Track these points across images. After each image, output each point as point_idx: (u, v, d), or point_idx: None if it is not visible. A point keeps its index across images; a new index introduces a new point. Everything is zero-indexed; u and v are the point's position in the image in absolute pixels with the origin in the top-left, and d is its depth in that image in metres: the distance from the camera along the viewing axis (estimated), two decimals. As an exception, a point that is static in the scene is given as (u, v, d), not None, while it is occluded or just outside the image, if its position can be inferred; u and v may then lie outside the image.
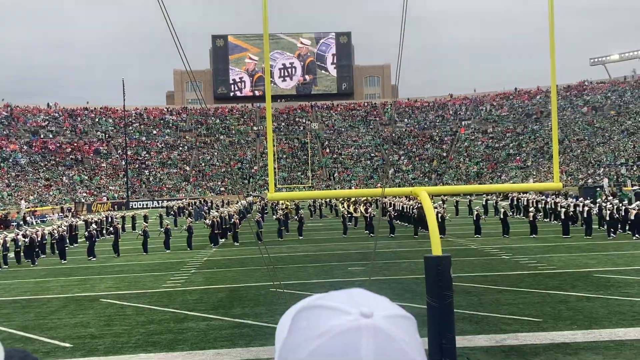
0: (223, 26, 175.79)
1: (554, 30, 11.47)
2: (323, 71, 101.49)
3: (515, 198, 39.53)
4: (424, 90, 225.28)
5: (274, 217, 35.40)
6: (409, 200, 35.68)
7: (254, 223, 29.54)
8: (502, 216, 28.79)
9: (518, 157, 74.57)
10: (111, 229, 31.02)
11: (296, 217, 33.43)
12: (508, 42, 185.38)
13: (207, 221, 30.52)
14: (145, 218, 38.77)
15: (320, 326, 0.84)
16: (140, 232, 28.24)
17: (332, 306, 0.87)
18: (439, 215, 27.69)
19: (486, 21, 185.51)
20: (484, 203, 40.06)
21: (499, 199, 42.07)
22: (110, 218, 38.29)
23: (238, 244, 28.79)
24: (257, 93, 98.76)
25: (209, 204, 53.44)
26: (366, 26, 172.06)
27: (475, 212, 29.26)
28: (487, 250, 23.70)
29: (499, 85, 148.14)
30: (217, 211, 34.89)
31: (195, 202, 53.70)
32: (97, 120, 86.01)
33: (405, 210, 34.93)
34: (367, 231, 31.55)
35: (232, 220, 30.73)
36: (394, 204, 37.13)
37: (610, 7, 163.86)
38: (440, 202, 38.74)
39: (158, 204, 65.64)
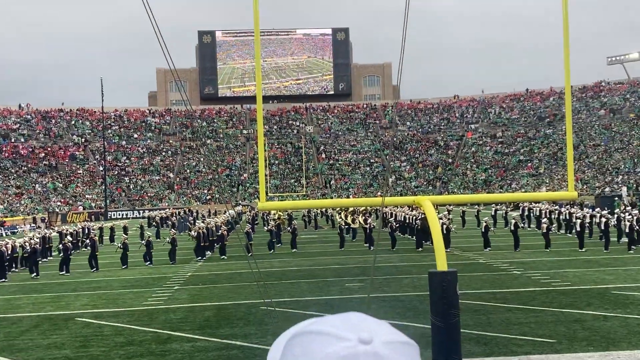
0: (211, 21, 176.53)
1: (568, 26, 11.53)
2: (319, 70, 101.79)
3: (526, 208, 39.62)
4: (428, 91, 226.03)
5: (265, 228, 35.37)
6: (412, 211, 35.69)
7: (243, 235, 29.50)
8: (512, 228, 28.83)
9: (530, 164, 74.79)
10: (88, 241, 30.92)
11: (289, 228, 33.39)
12: (519, 40, 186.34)
13: (192, 233, 30.47)
14: (125, 229, 38.65)
15: (315, 353, 0.83)
16: (119, 244, 28.14)
17: (328, 332, 0.85)
18: (444, 226, 27.71)
19: (495, 17, 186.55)
20: (493, 214, 40.11)
21: (509, 209, 42.13)
22: (86, 229, 38.16)
23: (226, 257, 28.73)
24: (247, 93, 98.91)
25: (195, 214, 53.33)
26: (365, 22, 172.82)
27: (484, 224, 29.30)
28: (496, 265, 23.71)
29: (509, 86, 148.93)
30: (203, 222, 34.83)
31: (179, 212, 53.59)
32: (73, 122, 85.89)
33: (407, 222, 34.96)
34: (366, 244, 31.54)
35: (220, 231, 30.67)
36: (395, 215, 37.13)
37: (629, 1, 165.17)
38: (446, 212, 38.77)
39: (139, 214, 65.48)
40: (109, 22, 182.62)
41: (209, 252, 29.97)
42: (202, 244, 28.77)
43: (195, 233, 29.26)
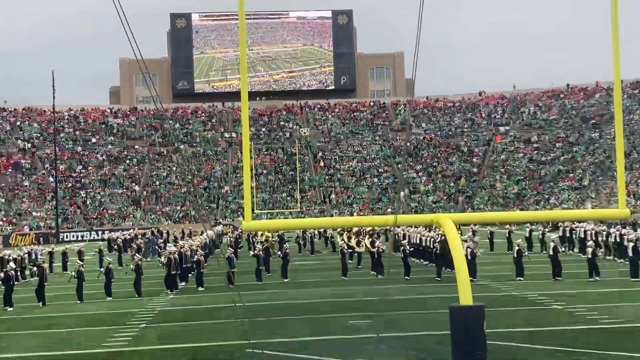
0: (185, 2, 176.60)
1: (617, 11, 11.55)
2: (316, 61, 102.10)
3: (568, 229, 39.60)
4: (448, 87, 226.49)
5: (251, 253, 35.22)
6: (429, 231, 35.61)
7: (224, 261, 29.45)
8: (551, 252, 28.79)
9: (571, 175, 74.90)
10: (35, 269, 30.82)
11: (279, 253, 33.29)
12: (558, 25, 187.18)
13: (162, 259, 30.37)
14: (80, 254, 38.51)
15: None
16: (73, 273, 28.04)
17: None
18: (469, 251, 27.66)
19: (524, 2, 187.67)
20: (527, 235, 40.05)
21: (547, 229, 42.07)
22: (33, 255, 38.03)
23: (203, 288, 28.65)
24: (229, 89, 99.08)
25: (165, 235, 53.21)
26: (372, 2, 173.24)
27: (516, 248, 29.27)
28: (531, 298, 23.64)
29: (546, 81, 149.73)
30: (175, 245, 34.76)
31: (146, 234, 53.46)
32: (17, 124, 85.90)
33: (424, 245, 34.92)
34: (374, 272, 31.45)
35: (196, 257, 30.59)
36: (409, 236, 37.05)
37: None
38: (471, 233, 38.76)
39: (97, 235, 65.36)
40: (62, 5, 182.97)
41: (182, 282, 29.88)
42: (173, 273, 28.68)
43: (165, 259, 29.17)
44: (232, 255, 31.59)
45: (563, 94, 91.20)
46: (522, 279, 28.08)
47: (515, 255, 28.95)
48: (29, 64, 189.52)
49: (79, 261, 30.46)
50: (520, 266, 28.60)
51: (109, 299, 26.98)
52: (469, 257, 27.05)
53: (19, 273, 32.66)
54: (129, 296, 27.28)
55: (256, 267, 31.03)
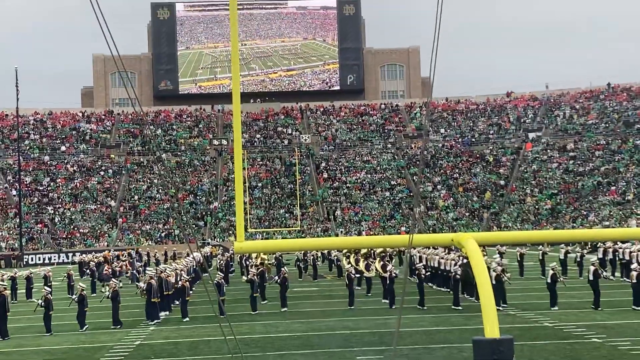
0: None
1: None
2: (319, 57, 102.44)
3: (611, 250, 39.55)
4: (471, 87, 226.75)
5: (244, 278, 35.22)
6: (449, 253, 35.59)
7: (212, 287, 29.45)
8: (591, 277, 28.77)
9: (613, 188, 74.87)
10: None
11: (276, 278, 33.27)
12: (597, 16, 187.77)
13: (142, 284, 30.39)
14: (47, 280, 38.50)
15: None
16: (39, 301, 28.06)
17: None
18: (494, 275, 27.64)
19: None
20: (562, 257, 40.00)
21: (586, 251, 41.99)
22: (45, 278, 38.23)
23: (188, 319, 28.65)
24: (219, 90, 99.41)
25: (145, 258, 53.21)
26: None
27: (550, 272, 29.23)
28: (568, 330, 23.62)
29: (583, 80, 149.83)
30: (156, 269, 34.77)
31: (123, 255, 53.55)
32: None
33: (442, 269, 34.89)
34: (386, 299, 31.43)
35: (180, 283, 30.61)
36: (426, 259, 37.03)
37: None
38: (497, 256, 38.68)
39: (67, 258, 65.40)
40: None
41: (165, 311, 29.88)
42: (153, 300, 28.67)
43: (146, 285, 29.17)
44: (222, 280, 31.60)
45: (603, 95, 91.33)
46: (556, 308, 28.02)
47: (549, 281, 28.89)
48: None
49: (46, 287, 30.46)
50: (554, 293, 28.54)
51: (81, 330, 26.99)
52: (494, 283, 27.03)
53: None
54: (104, 327, 27.28)
55: (251, 295, 31.02)
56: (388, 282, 31.33)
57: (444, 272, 34.50)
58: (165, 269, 32.67)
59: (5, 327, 26.36)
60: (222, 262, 44.84)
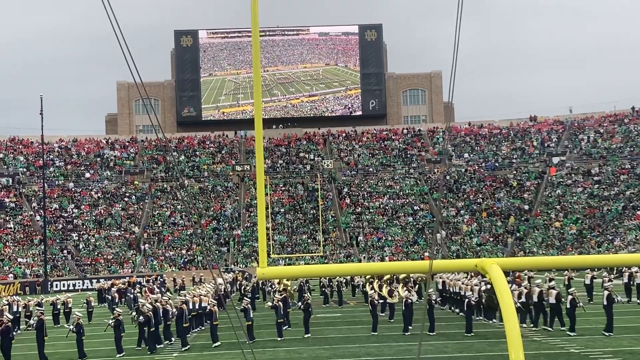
0: (192, 18, 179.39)
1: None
2: (341, 82, 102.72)
3: (638, 274, 39.20)
4: (494, 111, 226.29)
5: (268, 304, 35.20)
6: (470, 279, 35.53)
7: (237, 312, 29.42)
8: (605, 302, 28.70)
9: (639, 212, 74.26)
10: (32, 322, 31.02)
11: (300, 304, 33.23)
12: (621, 41, 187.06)
13: (135, 315, 29.73)
14: (65, 306, 38.70)
15: None
16: (71, 326, 28.29)
17: None
18: (520, 301, 27.50)
19: (588, 9, 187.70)
20: (587, 282, 39.70)
21: (613, 276, 41.66)
22: (15, 307, 38.22)
23: (219, 343, 28.59)
24: (241, 116, 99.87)
25: (161, 282, 53.33)
26: (405, 16, 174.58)
27: (569, 297, 29.02)
28: (594, 356, 23.46)
29: (608, 103, 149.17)
30: (182, 295, 34.69)
31: (140, 282, 53.70)
32: (1, 157, 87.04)
33: (462, 294, 34.91)
34: (409, 326, 31.32)
35: (208, 307, 30.70)
36: (446, 284, 36.96)
37: None
38: (526, 281, 38.46)
39: (91, 284, 65.63)
40: (53, 22, 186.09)
41: (166, 341, 29.61)
42: (147, 329, 28.44)
43: (139, 317, 28.85)
44: (249, 306, 31.47)
45: (628, 119, 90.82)
46: (574, 333, 27.82)
47: (568, 306, 28.70)
48: (15, 89, 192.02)
49: (77, 312, 30.50)
50: (573, 318, 28.38)
51: (119, 355, 27.20)
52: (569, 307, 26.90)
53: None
54: (106, 355, 27.45)
55: (275, 320, 30.98)
56: (403, 308, 31.29)
57: (461, 296, 34.45)
58: (164, 299, 32.62)
59: (43, 352, 26.61)
60: (247, 287, 44.92)
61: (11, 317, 29.76)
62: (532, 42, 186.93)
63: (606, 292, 28.97)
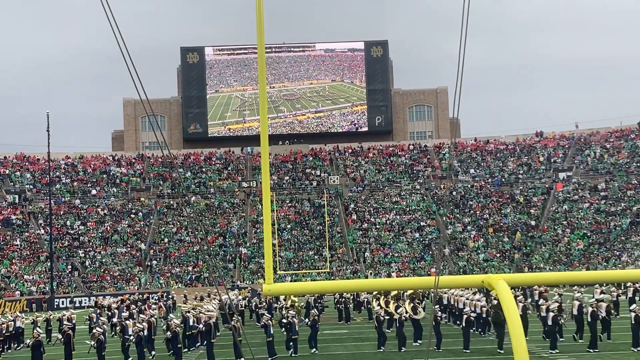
0: (198, 35, 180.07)
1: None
2: (347, 99, 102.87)
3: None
4: (500, 126, 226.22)
5: (281, 321, 35.25)
6: (474, 294, 35.49)
7: (232, 330, 29.38)
8: (589, 319, 28.81)
9: (646, 227, 74.11)
10: (60, 336, 31.16)
11: (306, 320, 33.20)
12: (627, 56, 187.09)
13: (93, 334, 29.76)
14: (61, 323, 38.83)
15: None
16: (92, 342, 28.55)
17: None
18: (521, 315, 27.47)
19: (594, 26, 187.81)
20: (597, 297, 39.64)
21: (621, 291, 41.61)
22: (19, 322, 38.32)
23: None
24: (247, 132, 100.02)
25: (170, 300, 53.21)
26: (410, 32, 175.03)
27: (551, 315, 29.13)
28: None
29: (614, 119, 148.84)
30: (183, 312, 34.68)
31: (136, 299, 53.60)
32: (7, 174, 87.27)
33: (457, 307, 34.91)
34: (417, 342, 31.27)
35: (212, 322, 30.74)
36: (452, 300, 36.89)
37: None
38: (556, 295, 38.41)
39: (104, 299, 65.41)
40: (59, 39, 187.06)
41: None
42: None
43: (168, 334, 29.02)
44: (269, 322, 31.28)
45: (634, 134, 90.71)
46: (595, 350, 27.80)
47: (589, 320, 28.91)
48: (22, 106, 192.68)
49: (98, 328, 30.44)
50: (554, 335, 28.53)
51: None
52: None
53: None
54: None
55: (287, 337, 31.02)
56: (398, 324, 31.35)
57: (459, 311, 34.51)
58: (192, 308, 32.77)
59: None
60: (258, 304, 44.76)
61: (42, 331, 30.01)
62: (538, 57, 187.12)
63: (590, 309, 29.09)
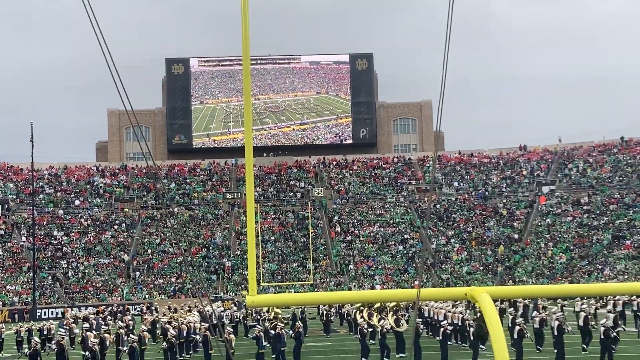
0: (183, 46, 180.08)
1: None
2: (332, 111, 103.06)
3: (619, 303, 39.35)
4: (484, 140, 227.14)
5: (265, 332, 35.16)
6: (454, 307, 35.61)
7: (222, 339, 29.30)
8: (556, 332, 28.95)
9: (628, 242, 74.41)
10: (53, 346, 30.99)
11: (291, 332, 33.15)
12: (611, 69, 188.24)
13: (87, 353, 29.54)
14: (18, 335, 38.65)
15: None
16: (87, 353, 28.40)
17: None
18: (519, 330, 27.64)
19: (575, 42, 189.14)
20: (577, 309, 39.79)
21: (600, 304, 41.82)
22: (17, 333, 38.28)
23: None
24: (232, 143, 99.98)
25: (154, 311, 53.00)
26: (395, 45, 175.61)
27: (556, 323, 29.15)
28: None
29: (597, 133, 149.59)
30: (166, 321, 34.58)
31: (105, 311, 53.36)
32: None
33: (434, 319, 34.99)
34: (401, 354, 31.27)
35: (197, 334, 30.67)
36: (429, 311, 37.00)
37: None
38: (512, 310, 38.48)
39: (80, 311, 65.14)
40: (43, 49, 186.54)
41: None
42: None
43: (164, 344, 28.92)
44: (261, 333, 31.17)
45: (617, 149, 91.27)
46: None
47: (557, 332, 28.94)
48: (5, 116, 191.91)
49: (92, 339, 30.26)
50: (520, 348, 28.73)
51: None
52: (516, 337, 26.99)
53: None
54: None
55: (278, 349, 30.95)
56: (380, 336, 31.41)
57: (435, 322, 34.63)
58: (173, 320, 32.68)
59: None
60: (245, 315, 44.65)
61: (39, 341, 29.81)
62: (522, 72, 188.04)
63: (556, 323, 29.18)
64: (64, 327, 40.42)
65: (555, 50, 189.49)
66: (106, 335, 30.51)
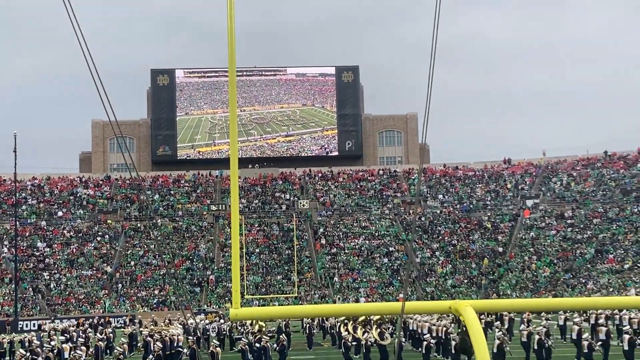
0: (168, 57, 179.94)
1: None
2: (317, 123, 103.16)
3: (602, 316, 39.42)
4: (468, 154, 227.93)
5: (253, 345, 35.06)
6: (438, 320, 35.60)
7: (207, 355, 29.20)
8: (535, 346, 29.03)
9: (612, 256, 74.69)
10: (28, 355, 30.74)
11: (275, 345, 33.07)
12: (593, 86, 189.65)
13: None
14: (22, 345, 38.43)
15: None
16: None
17: None
18: (497, 344, 27.55)
19: (559, 56, 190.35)
20: (561, 323, 39.92)
21: (583, 318, 41.91)
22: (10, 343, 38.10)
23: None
24: (217, 155, 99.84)
25: (137, 324, 52.78)
26: (381, 58, 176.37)
27: (537, 337, 29.23)
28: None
29: (581, 148, 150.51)
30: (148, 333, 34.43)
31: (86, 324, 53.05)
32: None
33: (419, 332, 34.98)
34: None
35: (180, 346, 30.58)
36: (419, 327, 36.96)
37: None
38: (498, 323, 38.52)
39: (62, 323, 64.74)
40: (26, 60, 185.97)
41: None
42: None
43: (150, 357, 28.84)
44: (246, 347, 31.04)
45: (600, 163, 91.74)
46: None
47: (536, 347, 28.99)
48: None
49: (78, 351, 30.10)
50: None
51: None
52: (495, 352, 26.90)
53: None
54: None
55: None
56: (364, 350, 31.41)
57: (419, 335, 34.64)
58: (156, 332, 32.59)
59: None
60: (224, 330, 44.42)
61: (25, 353, 29.56)
62: (507, 86, 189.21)
63: (537, 337, 29.29)
64: (39, 338, 40.33)
65: (539, 65, 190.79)
66: (83, 348, 30.30)
